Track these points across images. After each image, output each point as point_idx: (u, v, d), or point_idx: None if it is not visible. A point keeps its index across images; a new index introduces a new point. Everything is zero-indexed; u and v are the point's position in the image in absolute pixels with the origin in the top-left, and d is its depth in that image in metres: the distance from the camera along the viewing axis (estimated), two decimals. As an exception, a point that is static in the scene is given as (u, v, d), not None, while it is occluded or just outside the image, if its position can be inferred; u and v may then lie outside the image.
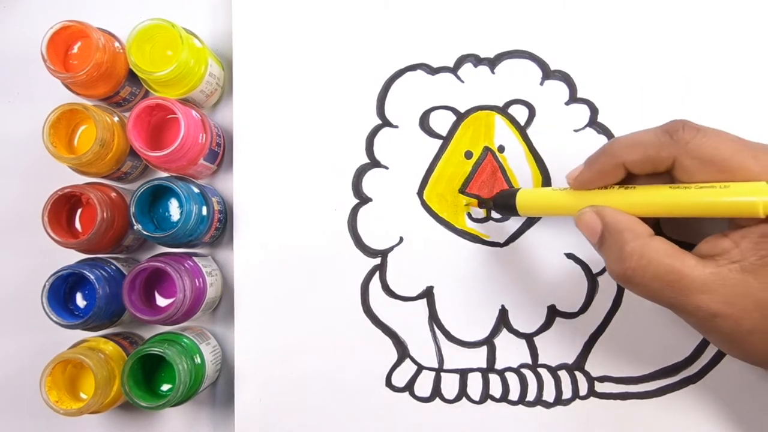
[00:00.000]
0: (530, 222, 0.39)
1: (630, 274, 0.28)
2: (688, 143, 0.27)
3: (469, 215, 0.40)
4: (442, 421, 0.39)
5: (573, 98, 0.40)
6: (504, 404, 0.39)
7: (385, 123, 0.41)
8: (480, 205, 0.39)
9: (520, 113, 0.40)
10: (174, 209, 0.39)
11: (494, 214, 0.39)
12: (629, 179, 0.31)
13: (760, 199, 0.25)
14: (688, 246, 0.29)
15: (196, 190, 0.38)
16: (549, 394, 0.38)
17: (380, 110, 0.41)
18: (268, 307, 0.40)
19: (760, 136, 0.39)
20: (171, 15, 0.39)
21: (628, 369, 0.38)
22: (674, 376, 0.37)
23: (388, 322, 0.40)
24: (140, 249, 0.43)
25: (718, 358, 0.37)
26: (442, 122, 0.40)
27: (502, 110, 0.40)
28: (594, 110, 0.39)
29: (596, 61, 0.40)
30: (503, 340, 0.39)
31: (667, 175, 0.29)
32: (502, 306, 0.39)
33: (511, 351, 0.39)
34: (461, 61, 0.41)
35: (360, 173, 0.41)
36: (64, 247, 0.37)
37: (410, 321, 0.39)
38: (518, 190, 0.36)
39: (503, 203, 0.37)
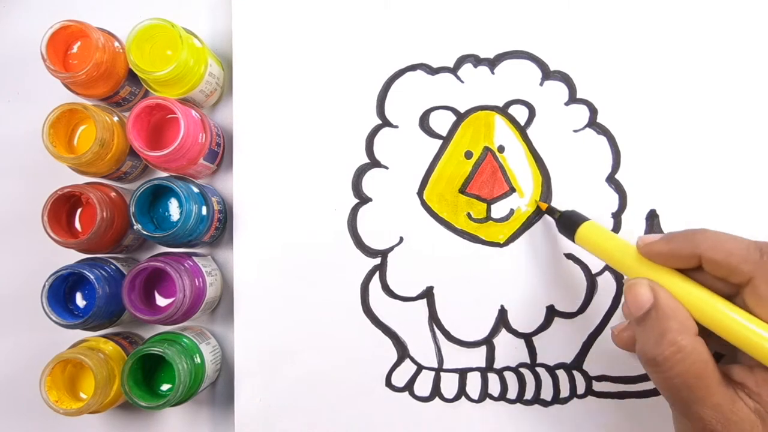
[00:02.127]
0: (530, 222, 0.39)
1: (661, 361, 0.27)
2: None
3: (469, 215, 0.40)
4: (442, 420, 0.39)
5: (572, 99, 0.40)
6: (502, 403, 0.39)
7: (385, 123, 0.41)
8: (547, 211, 0.38)
9: (519, 113, 0.40)
10: (174, 209, 0.39)
11: (494, 215, 0.40)
12: (696, 272, 0.29)
13: None
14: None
15: (195, 189, 0.38)
16: (547, 393, 0.39)
17: (380, 110, 0.41)
18: (267, 307, 0.40)
19: (759, 136, 0.39)
20: (171, 15, 0.39)
21: (626, 368, 0.38)
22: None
23: (387, 322, 0.40)
24: (140, 249, 0.43)
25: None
26: (442, 122, 0.40)
27: (502, 110, 0.40)
28: (593, 111, 0.40)
29: (596, 61, 0.40)
30: (502, 339, 0.39)
31: (734, 288, 0.28)
32: (502, 306, 0.39)
33: (510, 351, 0.39)
34: (461, 61, 0.41)
35: (360, 173, 0.41)
36: (63, 246, 0.37)
37: (410, 321, 0.39)
38: (588, 220, 0.35)
39: (566, 224, 0.36)
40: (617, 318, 0.38)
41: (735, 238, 0.28)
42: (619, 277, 0.39)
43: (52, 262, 0.39)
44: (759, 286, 0.26)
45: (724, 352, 0.29)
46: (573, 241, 0.35)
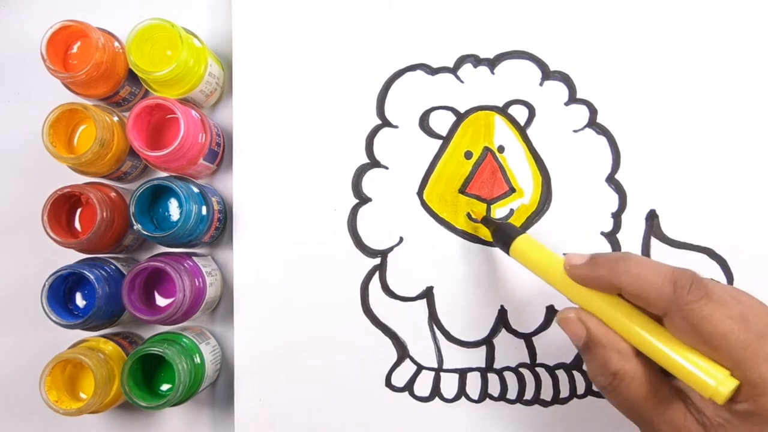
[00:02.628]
0: (530, 222, 0.39)
1: (610, 389, 0.28)
2: (687, 305, 0.26)
3: (469, 215, 0.40)
4: (442, 420, 0.39)
5: (572, 99, 0.40)
6: (502, 403, 0.39)
7: (385, 123, 0.41)
8: (483, 221, 0.38)
9: (519, 113, 0.40)
10: (174, 209, 0.39)
11: (494, 215, 0.39)
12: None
13: (725, 389, 0.24)
14: None
15: (195, 189, 0.38)
16: (547, 393, 0.39)
17: (380, 110, 0.41)
18: (267, 306, 0.40)
19: (759, 136, 0.39)
20: (171, 15, 0.39)
21: (626, 369, 0.38)
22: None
23: (387, 322, 0.40)
24: (140, 249, 0.43)
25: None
26: (442, 122, 0.40)
27: (502, 110, 0.40)
28: (593, 111, 0.39)
29: (596, 61, 0.40)
30: (502, 339, 0.39)
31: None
32: (502, 306, 0.39)
33: (509, 351, 0.39)
34: (461, 61, 0.41)
35: (360, 173, 0.41)
36: (63, 246, 0.37)
37: (410, 321, 0.39)
38: (522, 234, 0.34)
39: (501, 237, 0.35)
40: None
41: (654, 269, 0.27)
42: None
43: (52, 262, 0.39)
44: (674, 320, 0.26)
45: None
46: (508, 254, 0.35)
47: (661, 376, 0.28)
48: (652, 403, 0.27)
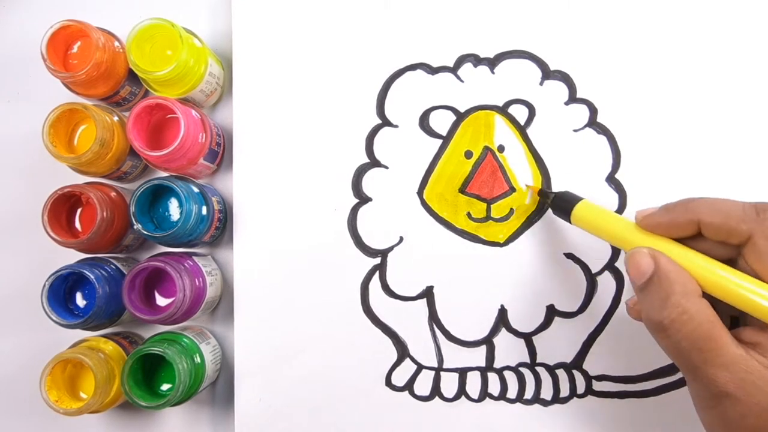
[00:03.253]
0: (530, 222, 0.39)
1: (667, 324, 0.27)
2: None
3: (469, 215, 0.40)
4: (442, 419, 0.39)
5: (572, 98, 0.40)
6: (502, 402, 0.39)
7: (385, 123, 0.41)
8: (539, 193, 0.38)
9: (519, 113, 0.40)
10: (174, 209, 0.39)
11: (494, 214, 0.40)
12: (696, 240, 0.29)
13: None
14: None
15: (195, 189, 0.38)
16: (547, 393, 0.39)
17: (380, 110, 0.41)
18: (268, 306, 0.40)
19: (759, 136, 0.39)
20: (171, 15, 0.39)
21: (626, 368, 0.38)
22: (673, 376, 0.38)
23: (387, 322, 0.40)
24: (140, 249, 0.43)
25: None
26: (442, 122, 0.40)
27: (502, 110, 0.40)
28: (593, 110, 0.40)
29: (596, 61, 0.40)
30: (502, 339, 0.39)
31: (733, 250, 0.28)
32: (502, 305, 0.39)
33: (509, 350, 0.39)
34: (461, 60, 0.41)
35: (360, 173, 0.41)
36: (63, 246, 0.37)
37: (410, 320, 0.40)
38: (581, 199, 0.35)
39: (561, 206, 0.36)
40: (618, 317, 0.38)
41: (731, 201, 0.28)
42: (619, 277, 0.39)
43: (52, 262, 0.39)
44: (758, 242, 0.26)
45: (736, 315, 0.29)
46: (569, 221, 0.35)
47: (719, 335, 0.26)
48: (713, 344, 0.26)
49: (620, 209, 0.39)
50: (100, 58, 0.37)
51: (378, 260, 0.40)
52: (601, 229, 0.33)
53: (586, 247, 0.39)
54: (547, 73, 0.40)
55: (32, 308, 0.38)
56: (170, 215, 0.39)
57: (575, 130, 0.40)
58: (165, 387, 0.38)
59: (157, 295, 0.39)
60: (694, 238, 0.29)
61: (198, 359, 0.38)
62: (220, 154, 0.41)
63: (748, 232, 0.27)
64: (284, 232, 0.41)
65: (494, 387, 0.39)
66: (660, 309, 0.27)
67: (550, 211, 0.39)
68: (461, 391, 0.39)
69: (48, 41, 0.37)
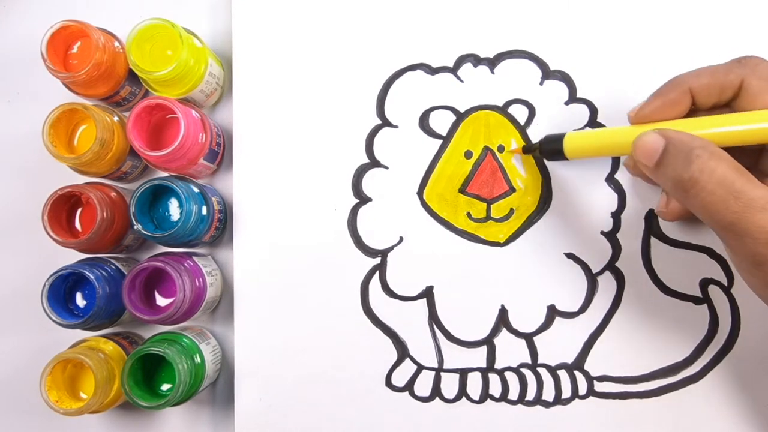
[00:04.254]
0: (530, 222, 0.39)
1: (697, 177, 0.26)
2: (757, 65, 0.28)
3: (469, 215, 0.40)
4: (442, 420, 0.39)
5: (572, 98, 0.40)
6: (503, 404, 0.39)
7: (385, 123, 0.41)
8: (525, 151, 0.38)
9: (519, 113, 0.40)
10: (174, 209, 0.39)
11: (494, 214, 0.39)
12: (691, 115, 0.30)
13: None
14: None
15: (195, 189, 0.38)
16: (548, 394, 0.38)
17: (380, 110, 0.41)
18: (268, 306, 0.40)
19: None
20: (171, 15, 0.39)
21: (627, 368, 0.38)
22: (674, 376, 0.38)
23: (387, 322, 0.40)
24: (140, 249, 0.43)
25: (719, 357, 0.37)
26: (441, 122, 0.40)
27: (502, 110, 0.40)
28: (593, 110, 0.39)
29: (596, 61, 0.40)
30: (503, 339, 0.39)
31: (729, 111, 0.30)
32: (502, 306, 0.39)
33: (510, 351, 0.39)
34: (461, 61, 0.41)
35: (360, 173, 0.41)
36: (64, 246, 0.37)
37: (410, 321, 0.39)
38: (564, 134, 0.35)
39: (550, 148, 0.36)
40: (619, 317, 0.38)
41: (711, 66, 0.30)
42: (620, 277, 0.38)
43: (52, 262, 0.39)
44: (750, 84, 0.28)
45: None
46: (566, 159, 0.35)
47: (748, 175, 0.26)
48: (739, 203, 0.25)
49: (620, 209, 0.39)
50: (100, 58, 0.37)
51: (378, 260, 0.40)
52: (600, 147, 0.33)
53: (586, 247, 0.39)
54: (547, 73, 0.40)
55: (32, 308, 0.38)
56: (170, 215, 0.39)
57: (575, 130, 0.40)
58: (165, 387, 0.38)
59: (157, 295, 0.39)
60: (688, 116, 0.30)
61: (198, 359, 0.38)
62: (220, 154, 0.41)
63: (737, 79, 0.28)
64: (284, 232, 0.41)
65: (495, 388, 0.39)
66: (685, 168, 0.27)
67: (550, 210, 0.39)
68: (462, 392, 0.39)
69: (48, 41, 0.37)
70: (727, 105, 0.30)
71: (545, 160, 0.39)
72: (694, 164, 0.26)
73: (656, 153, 0.28)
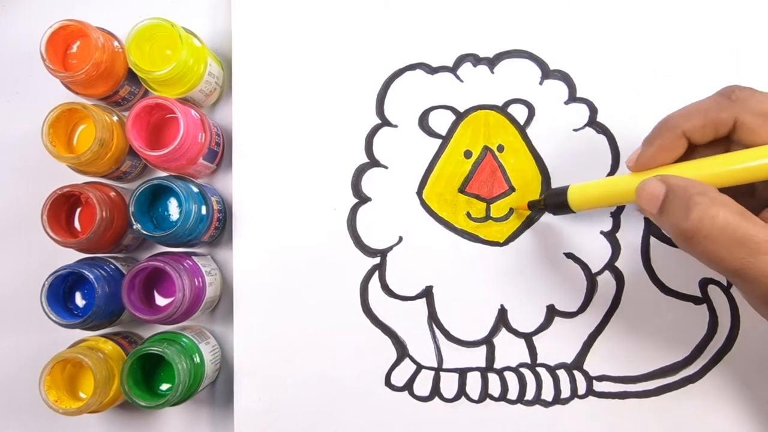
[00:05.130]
0: (530, 222, 0.39)
1: (698, 226, 0.26)
2: (748, 100, 0.28)
3: (469, 214, 0.40)
4: (441, 420, 0.39)
5: (572, 98, 0.40)
6: (503, 403, 0.39)
7: (385, 122, 0.41)
8: (530, 207, 0.38)
9: (519, 113, 0.40)
10: (173, 209, 0.39)
11: (494, 214, 0.39)
12: (689, 155, 0.30)
13: None
14: None
15: (195, 189, 0.38)
16: (547, 394, 0.38)
17: (380, 110, 0.41)
18: (267, 306, 0.40)
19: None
20: (170, 14, 0.39)
21: (627, 368, 0.38)
22: (673, 376, 0.38)
23: (387, 322, 0.40)
24: (139, 248, 0.43)
25: (718, 357, 0.37)
26: (441, 122, 0.40)
27: (502, 110, 0.40)
28: (593, 110, 0.39)
29: (596, 60, 0.40)
30: (502, 339, 0.39)
31: (727, 143, 0.29)
32: (502, 305, 0.39)
33: (510, 350, 0.39)
34: (460, 60, 0.41)
35: (359, 173, 0.41)
36: (63, 246, 0.37)
37: (409, 320, 0.39)
38: (568, 186, 0.35)
39: (554, 202, 0.36)
40: (618, 317, 0.38)
41: (699, 102, 0.29)
42: (619, 276, 0.38)
43: (51, 262, 0.39)
44: (745, 120, 0.27)
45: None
46: (572, 212, 0.35)
47: (751, 217, 0.26)
48: (744, 249, 0.25)
49: (619, 209, 0.39)
50: (99, 57, 0.37)
51: (377, 260, 0.40)
52: (603, 198, 0.33)
53: (586, 247, 0.39)
54: (547, 73, 0.40)
55: (32, 308, 0.38)
56: (170, 215, 0.39)
57: (575, 130, 0.40)
58: (164, 387, 0.38)
59: (156, 295, 0.39)
60: (686, 156, 0.30)
61: (197, 359, 0.38)
62: (219, 153, 0.41)
63: (731, 118, 0.28)
64: (284, 231, 0.41)
65: (495, 387, 0.39)
66: (685, 216, 0.26)
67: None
68: (461, 392, 0.39)
69: (47, 41, 0.37)
70: (726, 137, 0.29)
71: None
72: (694, 212, 0.26)
73: (658, 200, 0.28)
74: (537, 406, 0.38)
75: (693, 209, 0.26)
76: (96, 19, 0.39)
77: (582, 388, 0.38)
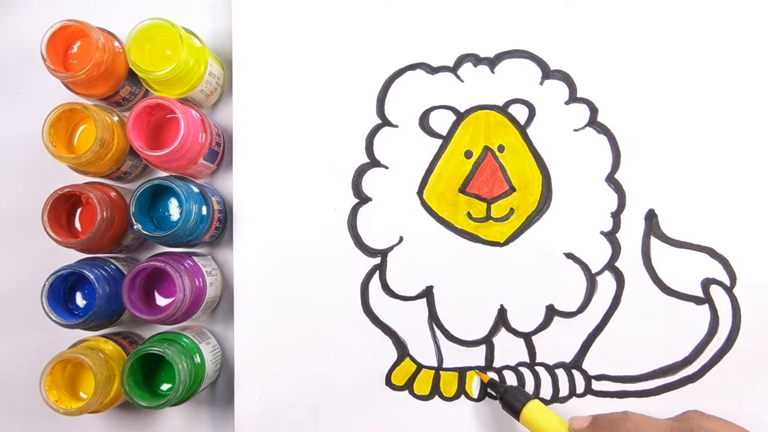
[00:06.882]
0: (530, 222, 0.39)
1: None
2: (700, 427, 0.30)
3: (469, 214, 0.40)
4: (441, 419, 0.39)
5: (573, 98, 0.40)
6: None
7: (385, 122, 0.41)
8: (489, 384, 0.38)
9: (520, 113, 0.40)
10: (174, 209, 0.39)
11: (494, 214, 0.40)
12: None
13: None
14: None
15: (195, 189, 0.38)
16: (546, 392, 0.39)
17: (380, 110, 0.41)
18: (267, 306, 0.40)
19: (759, 135, 0.39)
20: (171, 15, 0.39)
21: (626, 368, 0.38)
22: (673, 376, 0.38)
23: (387, 322, 0.40)
24: (140, 248, 0.43)
25: (717, 357, 0.37)
26: (442, 122, 0.40)
27: (502, 110, 0.40)
28: (594, 110, 0.40)
29: (596, 60, 0.40)
30: (502, 339, 0.39)
31: None
32: (501, 305, 0.39)
33: (509, 350, 0.39)
34: (461, 60, 0.41)
35: (360, 173, 0.41)
36: (63, 246, 0.37)
37: (410, 320, 0.40)
38: (531, 399, 0.36)
39: (509, 403, 0.36)
40: (618, 317, 0.38)
41: (654, 425, 0.32)
42: (619, 276, 0.39)
43: (52, 262, 0.39)
44: None
45: None
46: (517, 420, 0.36)
47: None
48: None
49: (620, 209, 0.39)
50: (100, 58, 0.37)
51: (378, 260, 0.40)
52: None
53: (586, 246, 0.39)
54: (548, 73, 0.40)
55: (32, 308, 0.38)
56: (170, 215, 0.39)
57: (575, 130, 0.40)
58: (165, 387, 0.38)
59: (157, 295, 0.39)
60: None
61: (198, 359, 0.38)
62: (220, 154, 0.41)
63: None
64: (284, 232, 0.41)
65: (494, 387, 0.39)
66: None
67: (550, 210, 0.39)
68: (461, 391, 0.39)
69: (48, 41, 0.37)
70: None
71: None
72: None
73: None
74: (536, 405, 0.39)
75: None
76: (96, 20, 0.39)
77: (580, 387, 0.38)
